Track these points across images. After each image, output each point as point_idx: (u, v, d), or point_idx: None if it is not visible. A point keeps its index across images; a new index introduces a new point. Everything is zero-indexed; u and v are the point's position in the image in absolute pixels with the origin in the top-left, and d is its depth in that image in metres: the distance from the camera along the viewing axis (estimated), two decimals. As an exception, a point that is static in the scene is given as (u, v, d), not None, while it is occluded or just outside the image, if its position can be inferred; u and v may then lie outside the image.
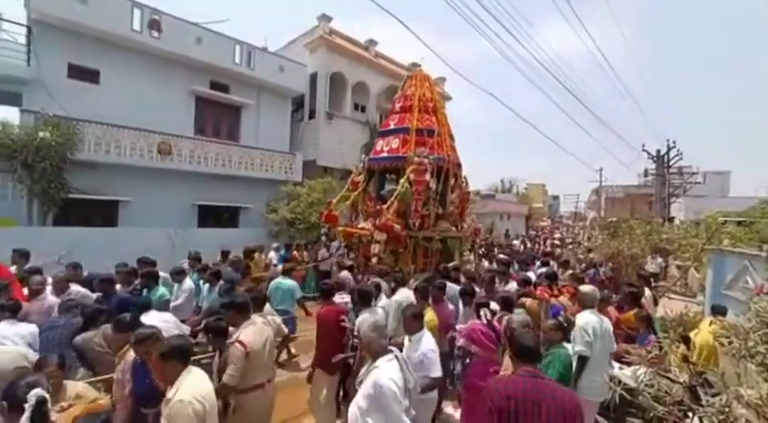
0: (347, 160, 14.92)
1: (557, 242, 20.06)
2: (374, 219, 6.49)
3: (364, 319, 2.55)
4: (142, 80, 10.87)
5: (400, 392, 2.12)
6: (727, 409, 1.94)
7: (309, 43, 14.81)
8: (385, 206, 6.49)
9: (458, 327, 3.98)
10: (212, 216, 12.00)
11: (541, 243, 19.04)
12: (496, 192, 40.13)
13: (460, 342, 3.69)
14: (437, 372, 2.76)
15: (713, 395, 2.06)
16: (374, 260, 6.69)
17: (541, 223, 37.96)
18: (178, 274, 5.26)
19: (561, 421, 1.90)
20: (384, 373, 2.16)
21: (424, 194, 6.59)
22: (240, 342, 2.78)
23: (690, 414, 2.34)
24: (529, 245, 18.10)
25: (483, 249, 11.40)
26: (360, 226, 7.05)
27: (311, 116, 15.04)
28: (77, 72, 9.97)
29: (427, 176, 6.55)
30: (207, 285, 5.29)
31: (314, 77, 14.72)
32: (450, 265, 6.11)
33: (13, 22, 9.87)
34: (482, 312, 3.91)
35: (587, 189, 56.09)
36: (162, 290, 4.62)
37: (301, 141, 14.94)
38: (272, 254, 9.63)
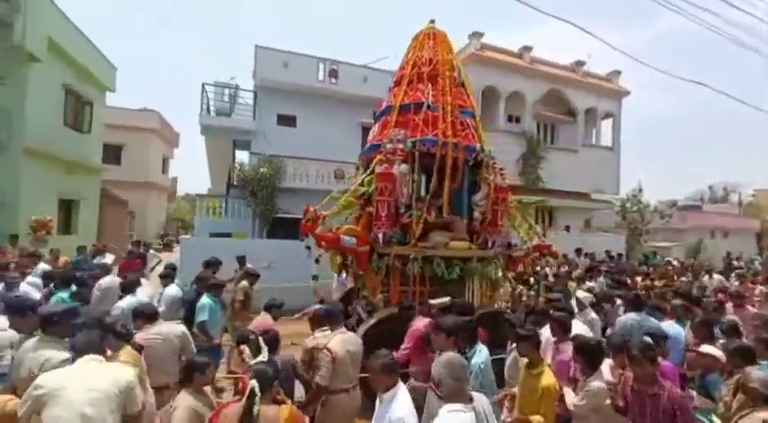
0: (501, 174, 14.38)
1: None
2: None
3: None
4: (323, 119, 13.30)
5: None
6: None
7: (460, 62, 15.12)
8: (324, 213, 4.78)
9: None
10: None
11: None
12: (702, 202, 31.19)
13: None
14: None
15: None
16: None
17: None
18: (164, 278, 5.15)
19: None
20: None
21: (392, 193, 4.58)
22: (328, 349, 3.07)
23: None
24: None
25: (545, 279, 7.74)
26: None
27: (463, 133, 15.19)
28: (282, 119, 12.99)
29: (397, 168, 4.57)
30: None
31: (465, 95, 14.90)
32: (437, 301, 4.04)
33: (245, 90, 13.71)
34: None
35: None
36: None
37: (453, 158, 15.23)
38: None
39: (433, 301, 4.12)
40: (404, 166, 4.65)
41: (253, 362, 2.91)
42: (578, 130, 16.61)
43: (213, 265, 5.85)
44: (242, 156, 14.07)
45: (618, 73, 17.85)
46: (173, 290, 5.00)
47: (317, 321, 3.53)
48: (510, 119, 15.90)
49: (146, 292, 4.83)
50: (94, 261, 7.50)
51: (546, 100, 16.06)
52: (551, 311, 3.96)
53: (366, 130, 14.10)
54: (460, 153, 4.93)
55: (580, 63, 16.99)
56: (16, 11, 8.88)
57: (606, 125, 18.01)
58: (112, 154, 18.49)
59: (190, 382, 2.47)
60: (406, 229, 4.76)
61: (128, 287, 4.48)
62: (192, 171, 66.75)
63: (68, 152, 11.40)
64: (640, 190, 17.90)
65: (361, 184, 4.96)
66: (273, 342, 3.11)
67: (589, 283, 7.28)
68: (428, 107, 5.02)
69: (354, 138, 13.92)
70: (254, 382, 2.05)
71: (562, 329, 3.36)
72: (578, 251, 11.61)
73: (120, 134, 18.83)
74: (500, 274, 5.36)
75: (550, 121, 16.89)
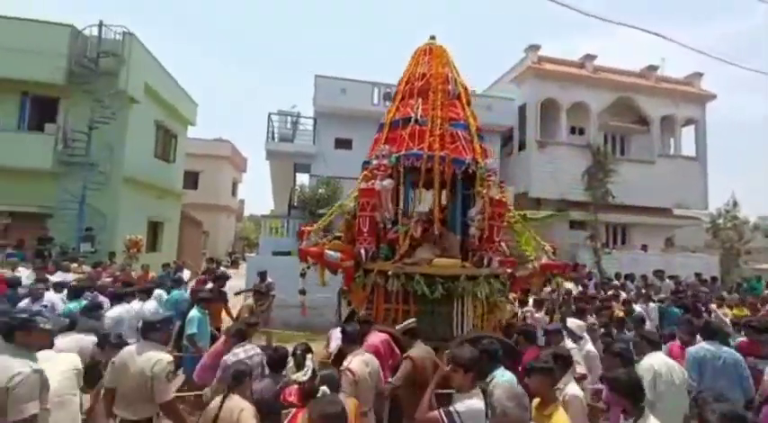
0: (564, 189, 13.54)
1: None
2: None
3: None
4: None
5: None
6: None
7: (517, 77, 14.77)
8: (309, 228, 4.88)
9: None
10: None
11: None
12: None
13: None
14: None
15: None
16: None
17: None
18: (141, 293, 5.30)
19: None
20: None
21: (374, 208, 4.56)
22: (350, 370, 2.92)
23: None
24: None
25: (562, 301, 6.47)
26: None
27: (521, 147, 14.66)
28: (340, 143, 13.57)
29: (379, 183, 4.54)
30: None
31: (522, 109, 14.45)
32: (401, 326, 3.72)
33: (305, 117, 14.63)
34: None
35: None
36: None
37: (512, 174, 14.70)
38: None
39: (397, 327, 3.83)
40: (387, 181, 4.59)
41: (294, 376, 3.04)
42: (653, 139, 15.16)
43: (221, 279, 6.46)
44: (302, 178, 14.91)
45: (699, 75, 16.15)
46: (149, 305, 5.11)
47: (237, 337, 3.48)
48: (573, 131, 15.03)
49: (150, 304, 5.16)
50: (175, 276, 8.33)
51: (613, 109, 14.96)
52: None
53: (420, 149, 14.25)
54: (448, 166, 4.67)
55: (652, 68, 15.68)
56: (122, 63, 10.52)
57: (688, 133, 16.23)
58: (191, 180, 20.64)
59: (240, 384, 2.53)
60: (394, 245, 4.67)
61: (118, 298, 4.80)
62: (257, 193, 72.38)
63: (158, 180, 12.96)
64: (735, 204, 15.72)
65: (352, 201, 5.04)
66: (281, 360, 3.10)
67: (638, 308, 6.40)
68: (416, 121, 4.92)
69: (408, 157, 14.08)
70: (324, 388, 2.28)
71: (624, 365, 2.93)
72: (657, 273, 10.40)
73: (198, 162, 21.02)
74: (499, 294, 4.84)
75: (619, 131, 15.64)
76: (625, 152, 15.67)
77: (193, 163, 19.86)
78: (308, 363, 3.25)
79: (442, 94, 5.10)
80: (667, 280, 10.00)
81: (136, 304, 4.93)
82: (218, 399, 2.51)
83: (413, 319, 3.83)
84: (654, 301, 7.03)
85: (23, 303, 4.66)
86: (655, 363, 3.17)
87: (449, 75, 5.24)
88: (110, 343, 3.11)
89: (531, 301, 6.36)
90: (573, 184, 13.64)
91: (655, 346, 3.41)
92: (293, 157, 13.71)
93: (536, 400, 2.55)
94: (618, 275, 10.24)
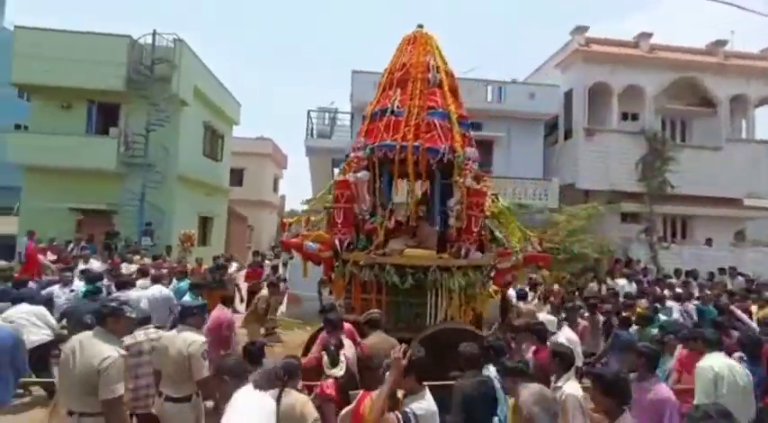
0: (615, 180, 12.67)
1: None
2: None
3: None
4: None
5: None
6: None
7: (561, 62, 13.96)
8: (291, 220, 5.10)
9: None
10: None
11: None
12: None
13: None
14: None
15: None
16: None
17: None
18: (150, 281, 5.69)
19: None
20: None
21: (349, 200, 4.63)
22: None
23: None
24: None
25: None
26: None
27: (567, 137, 13.88)
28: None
29: (353, 175, 4.58)
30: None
31: (568, 95, 13.64)
32: (367, 313, 3.80)
33: (343, 112, 14.81)
34: None
35: None
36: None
37: (557, 165, 13.98)
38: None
39: (360, 317, 3.90)
40: (362, 173, 4.61)
41: (330, 372, 3.09)
42: (721, 122, 13.72)
43: (221, 268, 7.16)
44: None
45: (775, 49, 14.35)
46: (151, 291, 5.39)
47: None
48: (625, 117, 13.97)
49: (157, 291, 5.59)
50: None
51: (672, 91, 13.69)
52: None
53: (458, 141, 13.90)
54: (422, 156, 4.56)
55: (720, 43, 14.13)
56: (174, 68, 11.22)
57: (763, 114, 14.53)
58: (236, 177, 21.63)
59: (293, 379, 2.60)
60: (372, 236, 4.74)
61: (121, 286, 5.20)
62: (297, 188, 74.59)
63: (207, 178, 13.76)
64: (821, 192, 13.85)
65: (328, 193, 5.22)
66: (259, 352, 3.12)
67: (671, 304, 5.92)
68: (392, 112, 4.85)
69: (446, 150, 13.82)
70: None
71: (648, 365, 2.73)
72: (724, 270, 9.47)
73: (242, 160, 21.98)
74: (480, 286, 4.79)
75: (679, 115, 14.31)
76: (687, 138, 14.34)
77: (238, 161, 20.80)
78: (342, 358, 3.30)
79: (422, 82, 5.00)
80: (739, 277, 9.10)
81: (135, 292, 5.31)
82: (272, 393, 2.55)
83: (375, 310, 3.94)
84: (695, 301, 6.48)
85: (56, 287, 5.45)
86: (715, 364, 2.94)
87: (430, 63, 5.12)
88: (77, 320, 3.25)
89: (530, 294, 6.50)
90: (625, 173, 12.71)
91: (712, 346, 3.15)
92: (331, 152, 13.93)
93: (512, 401, 2.48)
94: (678, 272, 9.46)
